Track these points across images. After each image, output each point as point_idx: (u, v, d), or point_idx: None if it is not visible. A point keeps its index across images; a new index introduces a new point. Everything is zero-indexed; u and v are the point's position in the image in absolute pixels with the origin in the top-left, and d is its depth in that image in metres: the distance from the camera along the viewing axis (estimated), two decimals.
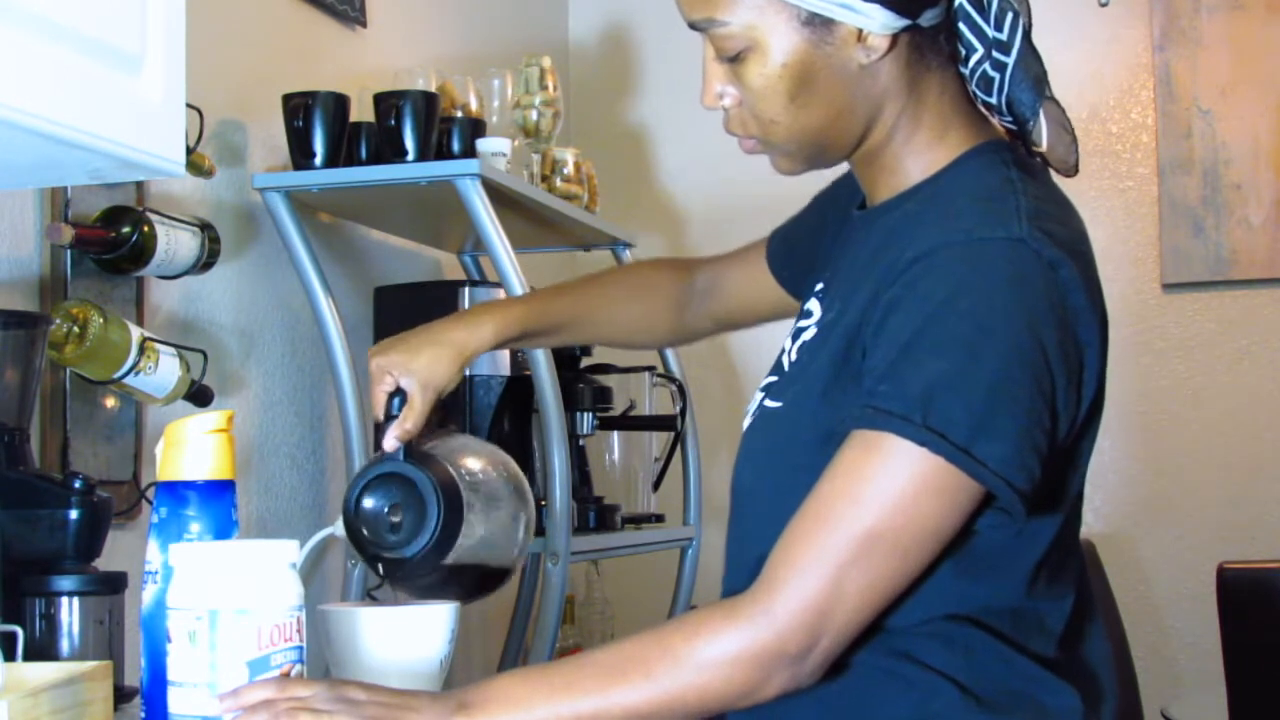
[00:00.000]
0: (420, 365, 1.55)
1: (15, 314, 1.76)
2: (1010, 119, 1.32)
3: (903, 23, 1.29)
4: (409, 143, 2.43)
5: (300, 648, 1.20)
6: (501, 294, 2.60)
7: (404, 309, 2.68)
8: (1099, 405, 1.31)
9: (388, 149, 2.44)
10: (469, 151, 2.56)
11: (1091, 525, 3.37)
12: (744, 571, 1.34)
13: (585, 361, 2.90)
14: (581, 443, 2.80)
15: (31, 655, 1.47)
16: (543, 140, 2.89)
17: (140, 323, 2.15)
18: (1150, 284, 3.72)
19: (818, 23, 1.29)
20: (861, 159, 1.39)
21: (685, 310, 1.76)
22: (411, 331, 1.59)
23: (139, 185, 2.16)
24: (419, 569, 1.52)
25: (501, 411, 2.61)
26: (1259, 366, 3.64)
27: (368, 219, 2.78)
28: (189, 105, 1.44)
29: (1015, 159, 1.34)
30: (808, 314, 1.44)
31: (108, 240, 1.99)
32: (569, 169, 2.92)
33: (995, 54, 1.29)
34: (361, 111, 2.49)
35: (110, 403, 2.12)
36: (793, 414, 1.35)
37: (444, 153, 2.53)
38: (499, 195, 2.50)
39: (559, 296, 1.70)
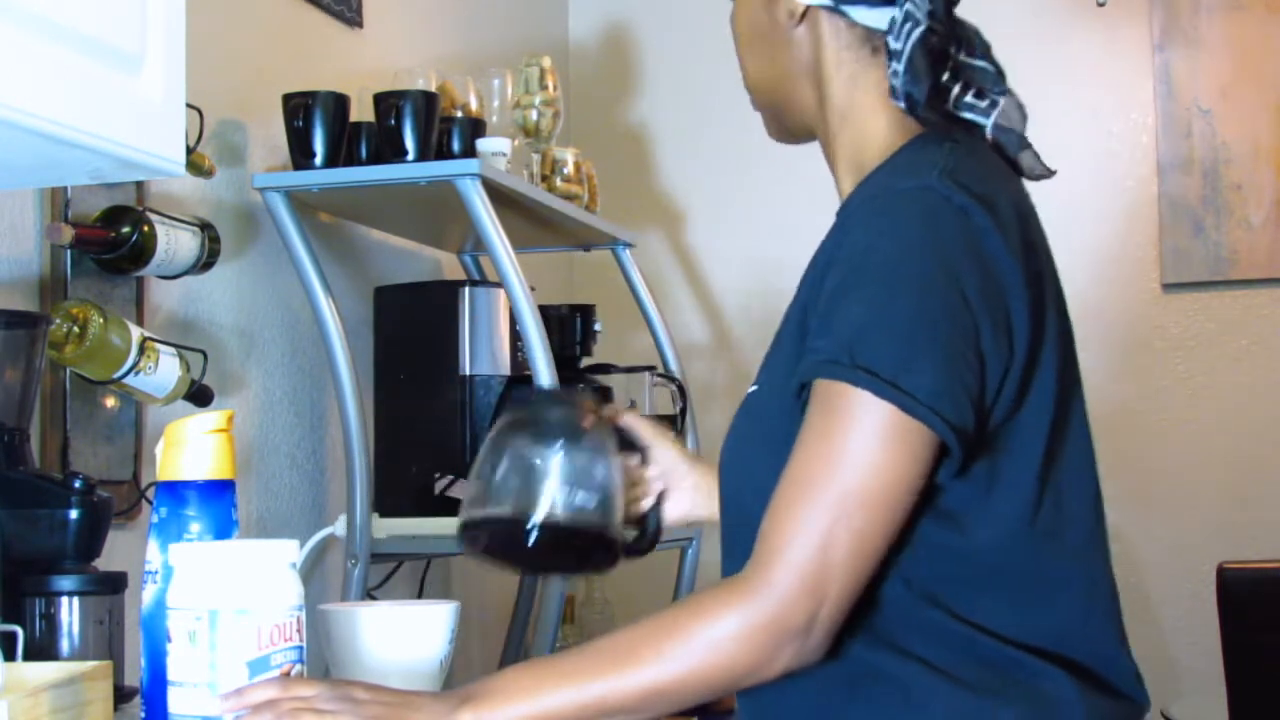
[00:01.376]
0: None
1: (15, 314, 1.76)
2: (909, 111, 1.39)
3: (824, 1, 1.40)
4: (409, 143, 2.43)
5: (300, 648, 1.20)
6: (501, 294, 2.60)
7: (404, 309, 2.68)
8: (1036, 359, 1.30)
9: (388, 149, 2.44)
10: (469, 151, 2.56)
11: None
12: (730, 545, 1.38)
13: (585, 361, 2.90)
14: None
15: (31, 655, 1.47)
16: (543, 140, 2.89)
17: (140, 323, 2.15)
18: (1150, 284, 3.72)
19: None
20: (823, 140, 1.46)
21: None
22: None
23: (139, 185, 2.16)
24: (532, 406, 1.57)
25: (501, 411, 2.61)
26: (1259, 366, 3.64)
27: (368, 219, 2.78)
28: (189, 105, 1.44)
29: (956, 141, 1.37)
30: None
31: (108, 240, 1.99)
32: (569, 169, 2.92)
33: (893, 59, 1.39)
34: (361, 111, 2.49)
35: (110, 403, 2.12)
36: (764, 392, 1.38)
37: (444, 153, 2.53)
38: (499, 195, 2.50)
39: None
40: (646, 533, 1.64)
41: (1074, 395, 1.36)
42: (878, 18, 1.39)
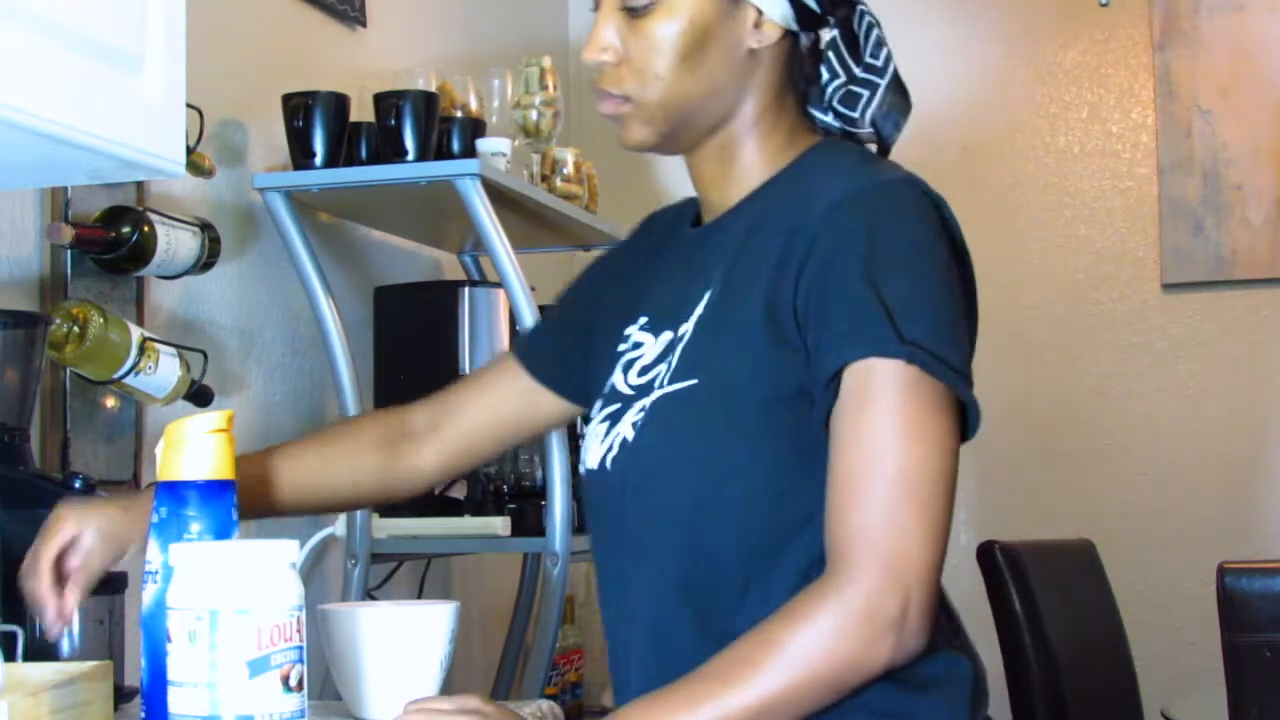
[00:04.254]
0: (107, 517, 1.43)
1: (15, 314, 1.76)
2: (871, 133, 1.43)
3: (794, 27, 1.40)
4: (409, 143, 2.43)
5: (300, 648, 1.20)
6: (501, 294, 2.60)
7: (404, 309, 2.68)
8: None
9: (388, 149, 2.44)
10: (469, 151, 2.56)
11: (1092, 525, 3.37)
12: (675, 547, 1.35)
13: None
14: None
15: (31, 655, 1.47)
16: (543, 140, 2.89)
17: (140, 323, 2.15)
18: (1150, 284, 3.72)
19: None
20: (714, 153, 1.45)
21: (398, 450, 1.61)
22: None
23: (139, 185, 2.16)
24: None
25: None
26: (1259, 366, 3.64)
27: (368, 219, 2.78)
28: (189, 105, 1.44)
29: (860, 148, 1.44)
30: (637, 345, 1.46)
31: (108, 240, 1.99)
32: (569, 169, 2.92)
33: (867, 75, 1.42)
34: (361, 111, 2.49)
35: (110, 403, 2.12)
36: (712, 387, 1.35)
37: (444, 153, 2.53)
38: (499, 195, 2.50)
39: (248, 459, 1.53)
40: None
41: None
42: (811, 38, 1.43)
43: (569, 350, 1.59)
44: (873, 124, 1.42)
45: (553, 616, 2.42)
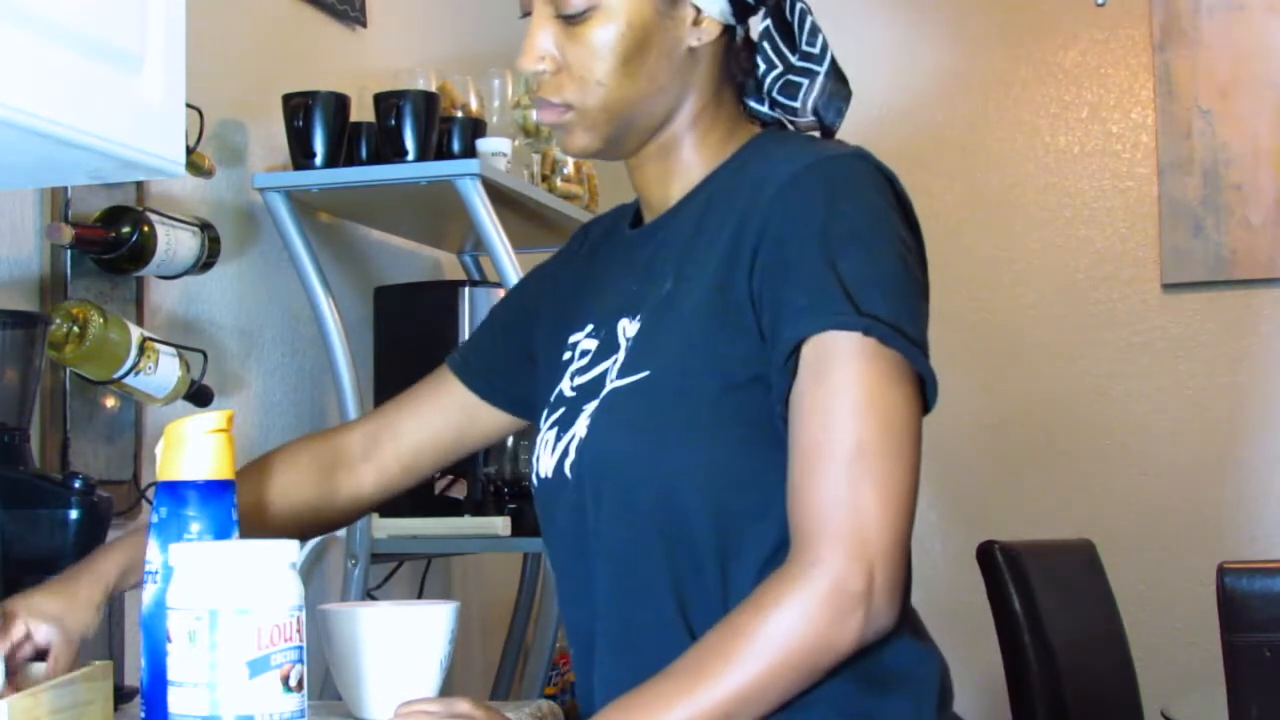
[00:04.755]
0: (58, 609, 1.37)
1: (15, 314, 1.76)
2: (813, 121, 1.42)
3: (732, 21, 1.39)
4: (409, 143, 2.43)
5: (300, 648, 1.20)
6: (501, 294, 2.60)
7: (404, 309, 2.69)
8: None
9: (388, 149, 2.44)
10: (469, 151, 2.57)
11: (1092, 525, 3.37)
12: (646, 542, 1.33)
13: None
14: None
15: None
16: (543, 140, 2.89)
17: (140, 323, 2.15)
18: (1150, 284, 3.72)
19: None
20: (655, 153, 1.44)
21: (334, 478, 1.59)
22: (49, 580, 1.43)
23: (139, 185, 2.16)
24: None
25: None
26: (1259, 366, 3.64)
27: (368, 219, 2.78)
28: (189, 105, 1.44)
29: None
30: (584, 353, 1.43)
31: (108, 240, 1.99)
32: (569, 169, 2.92)
33: (805, 64, 1.41)
34: (361, 111, 2.49)
35: (110, 403, 2.12)
36: (664, 378, 1.33)
37: (444, 153, 2.53)
38: (499, 195, 2.50)
39: None
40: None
41: None
42: (743, 31, 1.42)
43: (508, 362, 1.58)
44: (814, 112, 1.41)
45: (553, 616, 2.42)
